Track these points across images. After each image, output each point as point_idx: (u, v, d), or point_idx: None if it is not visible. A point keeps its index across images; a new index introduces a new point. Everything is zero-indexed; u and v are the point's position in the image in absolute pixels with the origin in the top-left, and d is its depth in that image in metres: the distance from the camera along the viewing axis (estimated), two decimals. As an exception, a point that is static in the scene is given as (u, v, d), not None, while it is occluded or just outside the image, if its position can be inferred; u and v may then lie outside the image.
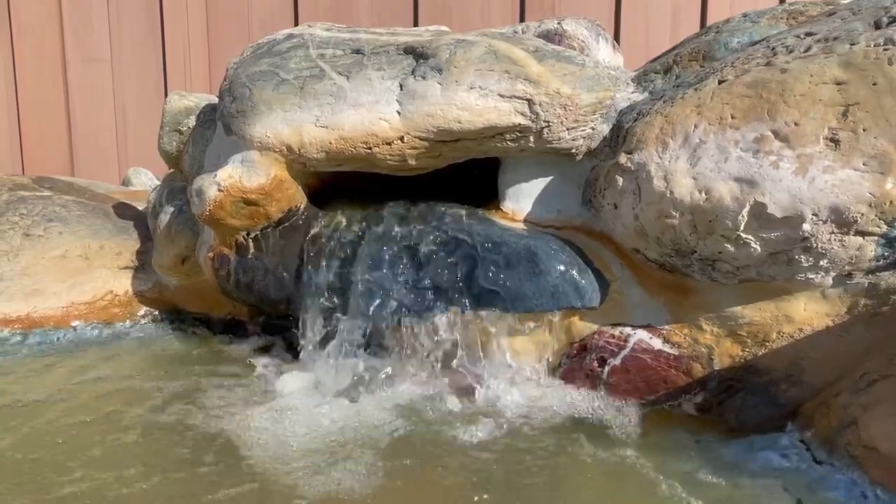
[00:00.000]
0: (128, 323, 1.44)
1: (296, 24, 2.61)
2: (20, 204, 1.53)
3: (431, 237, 1.11)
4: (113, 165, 2.83)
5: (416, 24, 2.53)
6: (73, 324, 1.39)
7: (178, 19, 2.73)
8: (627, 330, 1.09)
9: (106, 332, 1.40)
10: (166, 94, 2.75)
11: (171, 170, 1.55)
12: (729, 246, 0.94)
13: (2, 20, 2.78)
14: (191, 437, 0.98)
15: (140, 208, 1.67)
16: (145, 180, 2.30)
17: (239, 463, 0.91)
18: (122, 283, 1.46)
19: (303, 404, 1.07)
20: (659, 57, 1.31)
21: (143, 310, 1.46)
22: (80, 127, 2.84)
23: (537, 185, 1.17)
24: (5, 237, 1.45)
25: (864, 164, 0.86)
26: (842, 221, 0.87)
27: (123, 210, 1.65)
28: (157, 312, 1.47)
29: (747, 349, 1.02)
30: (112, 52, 2.78)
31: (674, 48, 1.30)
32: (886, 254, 0.89)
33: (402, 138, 1.10)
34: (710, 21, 2.23)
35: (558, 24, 1.37)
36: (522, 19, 2.43)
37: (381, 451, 0.95)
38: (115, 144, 2.84)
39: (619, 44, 2.14)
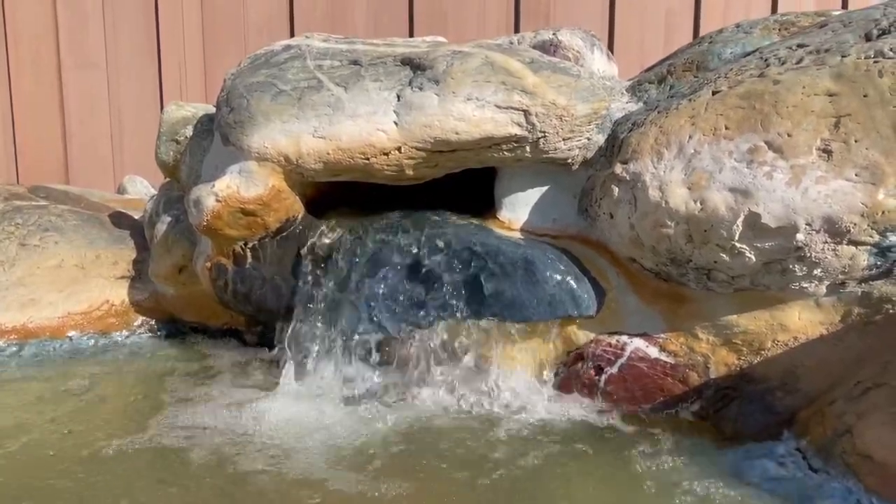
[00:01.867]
0: (124, 333, 1.43)
1: (292, 31, 2.62)
2: (16, 213, 1.53)
3: (428, 247, 1.12)
4: (108, 173, 2.82)
5: (411, 31, 2.53)
6: (69, 334, 1.39)
7: (174, 25, 2.73)
8: (624, 338, 1.09)
9: (102, 342, 1.40)
10: (162, 100, 2.75)
11: (167, 178, 1.55)
12: (724, 255, 0.94)
13: (-4, 27, 2.78)
14: (188, 448, 0.98)
15: (136, 217, 1.67)
16: (141, 188, 2.30)
17: (238, 474, 0.91)
18: (119, 293, 1.46)
19: (301, 416, 1.07)
20: (653, 66, 1.32)
21: (139, 319, 1.46)
22: (76, 134, 2.84)
23: (533, 195, 1.18)
24: (1, 247, 1.44)
25: (856, 175, 0.87)
26: (835, 231, 0.88)
27: (119, 219, 1.65)
28: (153, 322, 1.46)
29: (743, 357, 1.03)
30: (108, 58, 2.78)
31: (667, 58, 1.31)
32: (879, 263, 0.90)
33: (399, 149, 1.10)
34: (703, 30, 2.25)
35: (553, 34, 1.38)
36: (517, 28, 2.44)
37: (381, 457, 0.95)
38: (111, 152, 2.83)
39: (613, 51, 2.16)
